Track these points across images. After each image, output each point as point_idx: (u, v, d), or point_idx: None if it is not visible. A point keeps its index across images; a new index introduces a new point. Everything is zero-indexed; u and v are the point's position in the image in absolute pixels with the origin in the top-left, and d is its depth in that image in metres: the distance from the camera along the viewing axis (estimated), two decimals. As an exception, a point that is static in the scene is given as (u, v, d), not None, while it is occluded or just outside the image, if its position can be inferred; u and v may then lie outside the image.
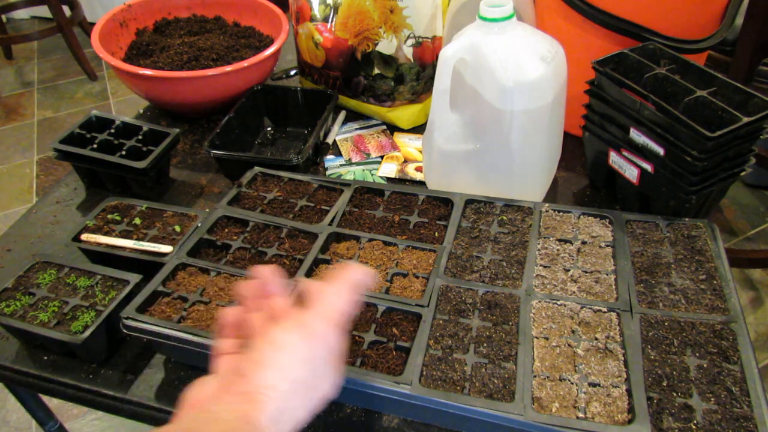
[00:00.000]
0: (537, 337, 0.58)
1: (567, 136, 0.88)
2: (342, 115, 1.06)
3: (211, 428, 0.38)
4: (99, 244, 0.74)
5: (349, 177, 0.91)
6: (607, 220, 0.72)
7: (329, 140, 0.99)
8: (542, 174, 0.81)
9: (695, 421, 0.51)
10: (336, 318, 0.44)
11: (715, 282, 0.63)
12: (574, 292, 0.63)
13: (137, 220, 0.77)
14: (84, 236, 0.75)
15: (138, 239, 0.74)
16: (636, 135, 0.74)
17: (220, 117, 0.97)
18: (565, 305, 0.61)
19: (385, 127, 1.03)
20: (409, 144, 0.98)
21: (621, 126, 0.76)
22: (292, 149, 1.00)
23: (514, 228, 0.71)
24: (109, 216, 0.78)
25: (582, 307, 0.61)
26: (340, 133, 1.02)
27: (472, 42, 0.72)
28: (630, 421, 0.50)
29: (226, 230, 0.73)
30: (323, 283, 0.46)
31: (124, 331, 0.60)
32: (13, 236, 0.84)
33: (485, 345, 0.57)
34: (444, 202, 0.76)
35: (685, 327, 0.58)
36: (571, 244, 0.69)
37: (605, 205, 0.85)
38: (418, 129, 1.02)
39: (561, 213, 0.73)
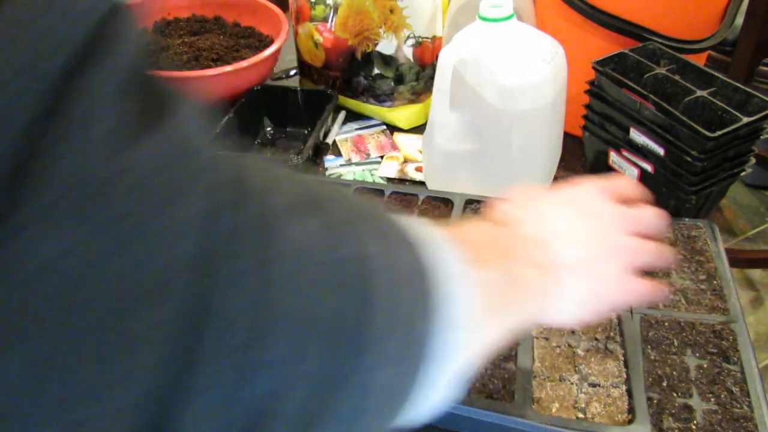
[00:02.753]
0: (537, 337, 0.58)
1: (567, 136, 0.87)
2: (342, 115, 1.06)
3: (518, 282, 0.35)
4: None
5: (349, 177, 0.91)
6: (607, 220, 0.72)
7: (329, 140, 0.99)
8: (542, 174, 0.81)
9: (695, 422, 0.51)
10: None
11: (715, 282, 0.63)
12: (574, 292, 0.63)
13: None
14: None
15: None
16: (636, 135, 0.74)
17: (220, 117, 0.97)
18: (565, 305, 0.61)
19: (385, 127, 1.03)
20: (409, 144, 0.98)
21: (621, 126, 0.76)
22: (292, 149, 1.00)
23: (514, 228, 0.71)
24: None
25: (582, 307, 0.61)
26: (340, 133, 1.02)
27: (472, 42, 0.72)
28: (630, 422, 0.50)
29: (226, 230, 0.73)
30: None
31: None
32: (13, 236, 0.84)
33: (485, 345, 0.57)
34: (444, 202, 0.76)
35: (685, 327, 0.58)
36: (571, 244, 0.69)
37: (605, 205, 0.85)
38: (418, 129, 1.02)
39: (561, 213, 0.73)
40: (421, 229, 0.28)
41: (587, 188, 0.45)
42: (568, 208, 0.42)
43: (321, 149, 0.97)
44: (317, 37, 0.99)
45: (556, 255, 0.39)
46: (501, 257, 0.34)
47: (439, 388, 0.27)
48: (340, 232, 0.23)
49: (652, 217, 0.45)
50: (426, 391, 0.25)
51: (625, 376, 0.54)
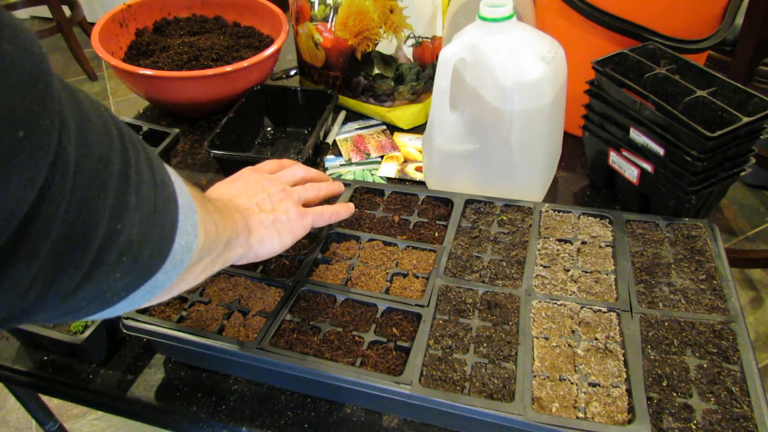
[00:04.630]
0: (537, 337, 0.58)
1: (567, 136, 0.88)
2: (342, 115, 1.06)
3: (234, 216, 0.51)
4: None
5: (349, 177, 0.91)
6: (607, 220, 0.72)
7: (329, 140, 0.99)
8: (542, 174, 0.81)
9: (695, 421, 0.51)
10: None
11: (715, 282, 0.63)
12: (574, 292, 0.63)
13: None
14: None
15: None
16: (636, 135, 0.74)
17: (220, 117, 0.97)
18: (565, 305, 0.61)
19: (385, 127, 1.03)
20: (409, 144, 0.98)
21: (621, 126, 0.76)
22: (292, 149, 1.00)
23: (514, 228, 0.71)
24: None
25: (582, 307, 0.61)
26: (340, 133, 1.02)
27: (472, 42, 0.72)
28: (630, 421, 0.50)
29: (226, 230, 0.73)
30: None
31: (124, 331, 0.60)
32: (13, 236, 0.84)
33: (485, 345, 0.57)
34: (444, 202, 0.76)
35: (685, 327, 0.58)
36: (571, 244, 0.69)
37: (605, 205, 0.85)
38: (418, 129, 1.02)
39: (561, 213, 0.73)
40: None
41: (246, 169, 0.65)
42: (237, 181, 0.62)
43: (321, 149, 0.97)
44: (317, 37, 0.99)
45: (239, 205, 0.56)
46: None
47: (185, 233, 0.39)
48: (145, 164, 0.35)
49: (297, 170, 0.67)
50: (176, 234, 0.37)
51: (625, 375, 0.54)
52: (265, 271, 0.67)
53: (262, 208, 0.57)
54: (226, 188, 0.60)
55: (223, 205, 0.50)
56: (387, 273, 0.66)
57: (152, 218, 0.34)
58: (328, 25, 0.98)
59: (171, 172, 0.39)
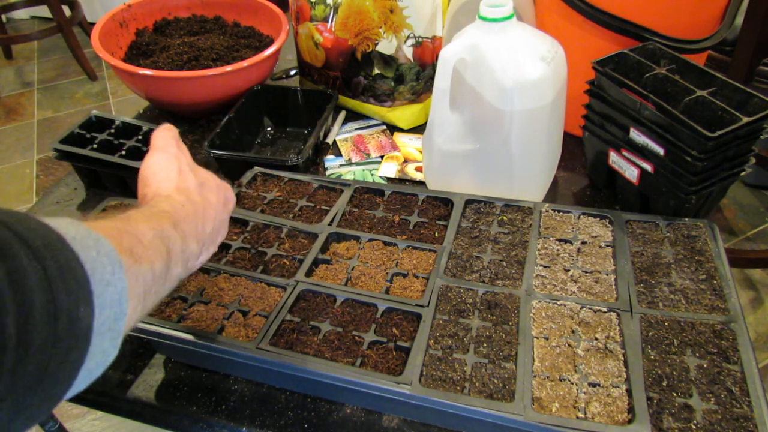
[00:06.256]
0: (537, 337, 0.58)
1: (567, 136, 0.88)
2: (342, 115, 1.06)
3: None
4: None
5: (349, 177, 0.91)
6: (607, 220, 0.72)
7: (329, 140, 0.99)
8: (542, 174, 0.81)
9: (695, 421, 0.51)
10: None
11: (715, 282, 0.63)
12: (574, 292, 0.63)
13: (137, 220, 0.77)
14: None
15: (138, 239, 0.74)
16: (636, 135, 0.74)
17: (220, 117, 0.97)
18: (565, 305, 0.61)
19: (385, 127, 1.03)
20: (409, 144, 0.98)
21: (621, 126, 0.76)
22: (292, 149, 1.00)
23: (514, 228, 0.71)
24: (109, 216, 0.78)
25: (582, 307, 0.61)
26: (340, 133, 1.02)
27: (472, 42, 0.72)
28: (630, 421, 0.50)
29: (226, 230, 0.73)
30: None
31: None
32: (13, 236, 0.84)
33: (485, 345, 0.57)
34: (444, 202, 0.76)
35: (685, 327, 0.58)
36: (571, 244, 0.69)
37: (605, 205, 0.85)
38: (418, 129, 1.02)
39: (561, 213, 0.73)
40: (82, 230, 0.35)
41: (219, 201, 0.56)
42: (209, 222, 0.53)
43: (321, 149, 0.97)
44: (317, 37, 0.99)
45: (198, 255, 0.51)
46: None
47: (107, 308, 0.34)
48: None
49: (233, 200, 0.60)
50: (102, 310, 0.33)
51: (625, 376, 0.54)
52: (265, 271, 0.67)
53: (208, 249, 0.54)
54: (200, 227, 0.52)
55: (182, 253, 0.46)
56: (387, 273, 0.66)
57: (38, 387, 0.28)
58: (328, 25, 0.98)
59: (94, 267, 0.33)
